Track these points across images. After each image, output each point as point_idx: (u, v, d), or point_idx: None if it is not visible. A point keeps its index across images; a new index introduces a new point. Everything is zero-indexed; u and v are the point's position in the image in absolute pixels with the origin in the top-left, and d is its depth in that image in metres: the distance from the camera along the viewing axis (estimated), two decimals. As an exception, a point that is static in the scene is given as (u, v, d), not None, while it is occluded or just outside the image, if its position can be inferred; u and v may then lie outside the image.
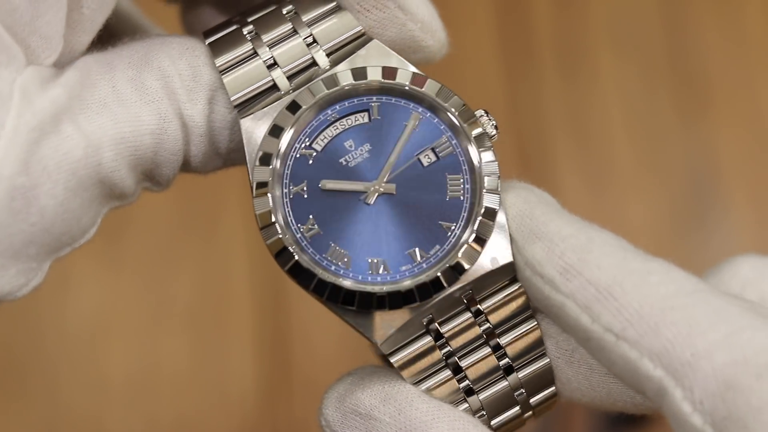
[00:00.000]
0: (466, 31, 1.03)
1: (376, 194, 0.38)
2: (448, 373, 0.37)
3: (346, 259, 0.37)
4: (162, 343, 0.92)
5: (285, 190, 0.38)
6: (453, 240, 0.37)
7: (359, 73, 0.39)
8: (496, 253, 0.37)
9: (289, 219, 0.37)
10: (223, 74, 0.38)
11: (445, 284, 0.37)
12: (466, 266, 0.37)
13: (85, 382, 0.91)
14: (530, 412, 0.39)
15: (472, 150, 0.38)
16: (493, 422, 0.38)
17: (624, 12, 1.05)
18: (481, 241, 0.37)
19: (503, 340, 0.38)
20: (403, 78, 0.39)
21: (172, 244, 0.95)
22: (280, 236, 0.37)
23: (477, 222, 0.37)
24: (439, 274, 0.37)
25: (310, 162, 0.38)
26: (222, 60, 0.38)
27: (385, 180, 0.38)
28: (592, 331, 0.34)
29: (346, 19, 0.39)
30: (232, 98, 0.38)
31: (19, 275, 0.36)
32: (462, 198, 0.38)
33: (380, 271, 0.37)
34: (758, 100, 1.02)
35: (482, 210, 0.37)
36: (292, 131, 0.38)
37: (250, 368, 0.92)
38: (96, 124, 0.36)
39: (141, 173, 0.38)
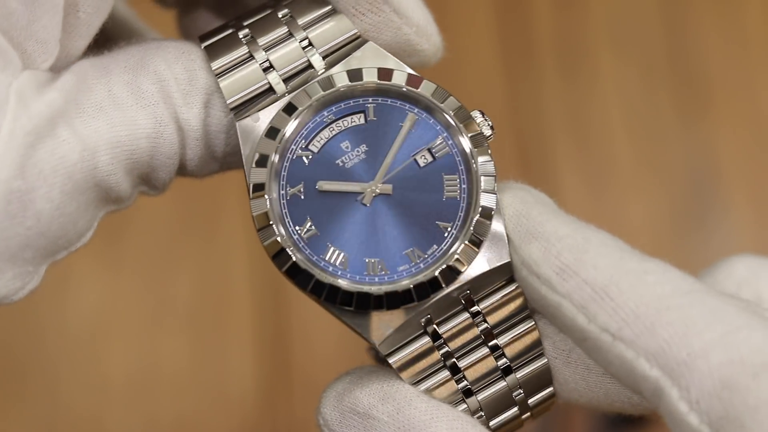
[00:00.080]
0: (466, 32, 1.03)
1: (373, 195, 0.38)
2: (446, 373, 0.37)
3: (343, 260, 0.37)
4: (162, 343, 0.92)
5: (282, 192, 0.38)
6: (450, 240, 0.37)
7: (355, 74, 0.39)
8: (493, 253, 0.37)
9: (286, 220, 0.37)
10: (219, 77, 0.38)
11: (442, 284, 0.37)
12: (464, 266, 0.37)
13: (85, 382, 0.91)
14: (528, 413, 0.39)
15: (469, 150, 0.38)
16: (491, 423, 0.38)
17: (624, 12, 1.05)
18: (478, 241, 0.37)
19: (501, 341, 0.38)
20: (399, 79, 0.39)
21: (171, 244, 0.95)
22: (278, 237, 0.37)
23: (474, 222, 0.37)
24: (436, 274, 0.37)
25: (307, 163, 0.38)
26: (218, 63, 0.39)
27: (381, 181, 0.38)
28: (588, 331, 0.34)
29: (342, 23, 0.39)
30: (228, 101, 0.38)
31: (15, 279, 0.36)
32: (458, 198, 0.38)
33: (378, 272, 0.37)
34: (758, 100, 1.01)
35: (479, 210, 0.37)
36: (289, 133, 0.38)
37: (250, 368, 0.92)
38: (92, 127, 0.36)
39: (137, 177, 0.38)
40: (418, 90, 0.39)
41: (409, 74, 0.39)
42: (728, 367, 0.31)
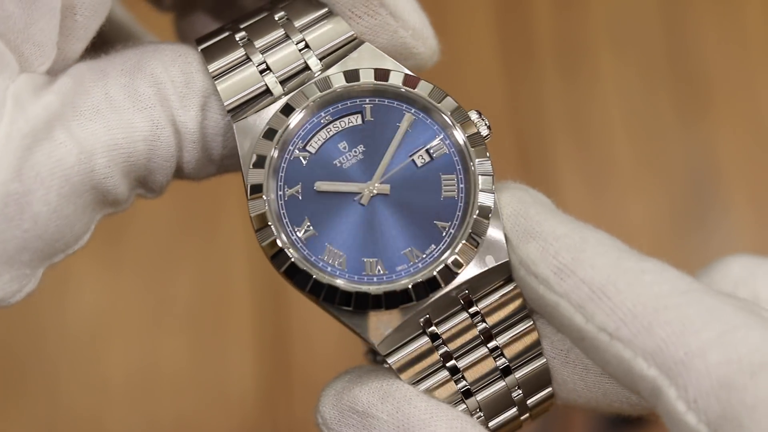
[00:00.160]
0: (466, 32, 1.03)
1: (371, 195, 0.38)
2: (445, 374, 0.37)
3: (341, 260, 0.37)
4: (162, 343, 0.92)
5: (280, 193, 0.38)
6: (448, 239, 0.37)
7: (352, 75, 0.39)
8: (491, 252, 0.37)
9: (284, 221, 0.37)
10: (216, 80, 0.38)
11: (441, 284, 0.37)
12: (462, 265, 0.37)
13: (85, 382, 0.91)
14: (527, 414, 0.39)
15: (466, 150, 0.38)
16: (490, 424, 0.38)
17: (624, 12, 1.05)
18: (476, 240, 0.37)
19: (500, 340, 0.38)
20: (396, 80, 0.39)
21: (171, 244, 0.95)
22: (276, 238, 0.37)
23: (472, 221, 0.37)
24: (435, 273, 0.37)
25: (305, 164, 0.38)
26: (215, 66, 0.39)
27: (379, 181, 0.38)
28: (586, 331, 0.34)
29: (338, 25, 0.39)
30: (225, 103, 0.38)
31: (12, 282, 0.36)
32: (456, 198, 0.38)
33: (376, 271, 0.37)
34: (758, 100, 1.01)
35: (477, 209, 0.37)
36: (286, 134, 0.38)
37: (250, 368, 0.92)
38: (89, 130, 0.36)
39: (134, 180, 0.38)
40: (415, 90, 0.39)
41: (406, 74, 0.39)
42: (726, 366, 0.31)
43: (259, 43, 0.39)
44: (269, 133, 0.38)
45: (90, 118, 0.36)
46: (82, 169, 0.36)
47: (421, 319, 0.37)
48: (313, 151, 0.39)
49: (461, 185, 0.38)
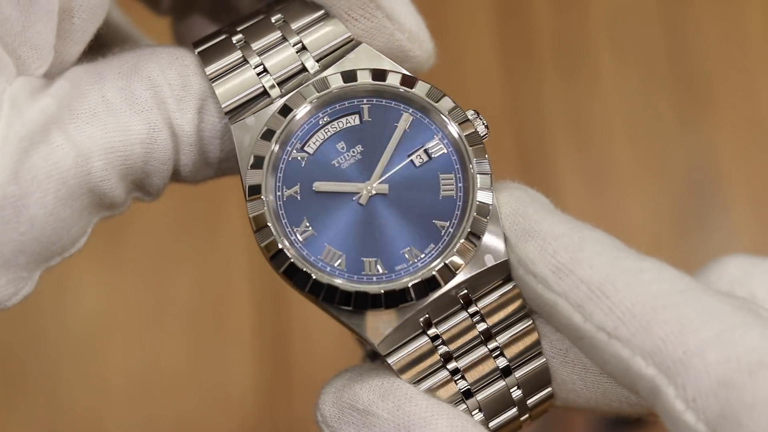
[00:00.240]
0: (466, 32, 1.03)
1: (369, 195, 0.38)
2: (445, 374, 0.37)
3: (341, 260, 0.37)
4: (162, 343, 0.92)
5: (278, 193, 0.38)
6: (447, 238, 0.37)
7: (349, 75, 0.39)
8: (490, 251, 0.37)
9: (283, 221, 0.38)
10: (213, 82, 0.39)
11: (440, 283, 0.37)
12: (461, 264, 0.37)
13: (85, 382, 0.91)
14: (527, 415, 0.39)
15: (464, 149, 0.38)
16: (490, 424, 0.38)
17: (624, 12, 1.05)
18: (475, 239, 0.37)
19: (500, 340, 0.38)
20: (393, 80, 0.39)
21: (171, 244, 0.95)
22: (275, 238, 0.37)
23: (470, 220, 0.37)
24: (434, 272, 0.37)
25: (303, 165, 0.38)
26: (212, 68, 0.39)
27: (377, 181, 0.38)
28: (584, 330, 0.34)
29: (335, 26, 0.40)
30: (222, 105, 0.38)
31: (8, 284, 0.36)
32: (455, 197, 0.38)
33: (376, 271, 0.37)
34: (758, 100, 1.01)
35: (475, 208, 0.37)
36: (284, 134, 0.38)
37: (250, 368, 0.92)
38: (86, 133, 0.36)
39: (131, 183, 0.39)
40: (413, 90, 0.39)
41: (404, 74, 0.39)
42: (724, 365, 0.31)
43: (256, 45, 0.39)
44: (267, 134, 0.38)
45: (87, 121, 0.37)
46: (79, 172, 0.36)
47: (421, 319, 0.37)
48: (311, 151, 0.39)
49: (460, 184, 0.38)
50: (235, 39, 0.40)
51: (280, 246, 0.37)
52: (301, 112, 0.39)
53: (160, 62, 0.38)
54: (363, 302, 0.37)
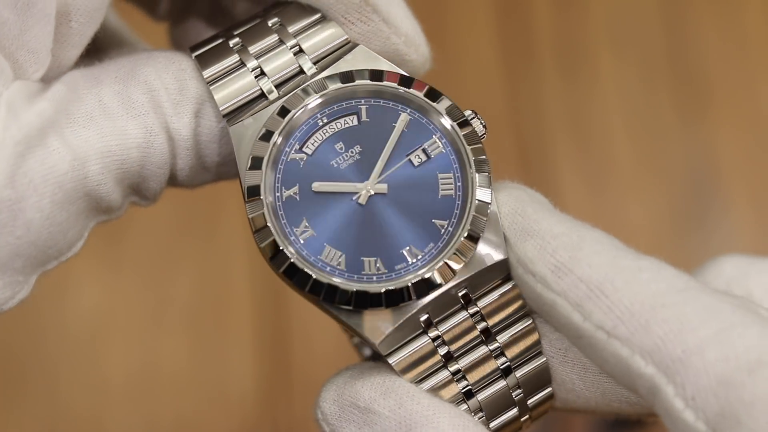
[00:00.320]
0: (467, 32, 1.03)
1: (369, 195, 0.38)
2: (447, 374, 0.37)
3: (341, 260, 0.37)
4: (162, 343, 0.92)
5: (277, 194, 0.38)
6: (446, 237, 0.38)
7: (347, 76, 0.39)
8: (489, 250, 0.37)
9: (282, 222, 0.38)
10: (211, 85, 0.39)
11: (440, 282, 0.37)
12: (461, 263, 0.37)
13: (85, 382, 0.91)
14: (527, 416, 0.39)
15: (463, 149, 0.38)
16: (492, 425, 0.38)
17: (624, 12, 1.05)
18: (474, 238, 0.37)
19: (500, 339, 0.38)
20: (391, 80, 0.39)
21: (171, 244, 0.95)
22: (274, 239, 0.37)
23: (470, 219, 0.37)
24: (434, 271, 0.37)
25: (302, 165, 0.38)
26: (210, 71, 0.39)
27: (376, 180, 0.38)
28: (583, 329, 0.34)
29: (332, 29, 0.40)
30: (220, 108, 0.38)
31: (5, 288, 0.36)
32: (454, 196, 0.38)
33: (376, 270, 0.37)
34: (758, 100, 1.01)
35: (474, 207, 0.37)
36: (282, 135, 0.38)
37: (250, 368, 0.92)
38: (82, 137, 0.36)
39: (128, 187, 0.39)
40: (411, 90, 0.39)
41: (401, 75, 0.39)
42: (723, 364, 0.31)
43: (253, 48, 0.40)
44: (266, 135, 0.38)
45: (83, 125, 0.37)
46: (76, 176, 0.36)
47: (421, 318, 0.37)
48: (309, 152, 0.39)
49: (458, 183, 0.38)
50: (232, 43, 0.40)
51: (280, 246, 0.37)
52: (299, 113, 0.39)
53: (157, 66, 0.39)
54: (363, 301, 0.37)
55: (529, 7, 1.05)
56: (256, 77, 0.39)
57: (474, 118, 0.39)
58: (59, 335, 0.92)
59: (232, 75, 0.39)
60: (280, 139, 0.38)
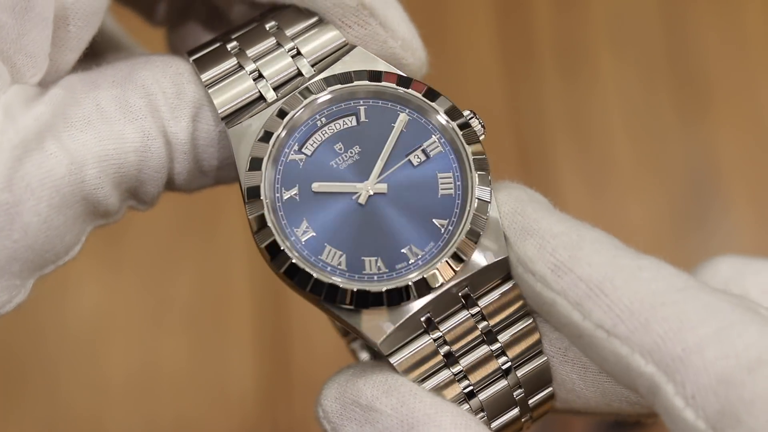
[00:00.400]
0: (467, 32, 1.03)
1: (368, 195, 0.38)
2: (448, 373, 0.37)
3: (341, 260, 0.37)
4: (162, 343, 0.92)
5: (277, 195, 0.38)
6: (446, 237, 0.38)
7: (345, 77, 0.39)
8: (489, 249, 0.37)
9: (282, 222, 0.38)
10: (209, 88, 0.39)
11: (441, 281, 0.37)
12: (461, 262, 0.37)
13: (85, 382, 0.91)
14: (528, 416, 0.39)
15: (462, 149, 0.39)
16: (493, 425, 0.38)
17: (624, 12, 1.05)
18: (474, 237, 0.37)
19: (501, 338, 0.38)
20: (389, 81, 0.39)
21: (171, 244, 0.95)
22: (275, 239, 0.37)
23: (470, 218, 0.37)
24: (434, 271, 0.37)
25: (301, 166, 0.39)
26: (207, 75, 0.39)
27: (376, 180, 0.38)
28: (583, 328, 0.34)
29: (330, 32, 0.40)
30: (219, 110, 0.39)
31: (2, 292, 0.36)
32: (453, 195, 0.38)
33: (376, 270, 0.37)
34: (758, 100, 1.01)
35: (474, 206, 0.37)
36: (281, 136, 0.38)
37: (250, 368, 0.92)
38: (80, 141, 0.36)
39: (125, 191, 0.39)
40: (409, 90, 0.39)
41: (399, 75, 0.39)
42: (723, 362, 0.31)
43: (251, 51, 0.40)
44: (265, 137, 0.38)
45: (81, 129, 0.37)
46: (73, 179, 0.36)
47: (422, 318, 0.37)
48: (309, 153, 0.39)
49: (458, 183, 0.38)
50: (229, 46, 0.40)
51: (280, 247, 0.37)
52: (298, 114, 0.39)
53: (154, 70, 0.39)
54: (364, 301, 0.37)
55: (529, 7, 1.05)
56: (254, 80, 0.39)
57: (473, 117, 0.39)
58: (59, 335, 0.92)
59: (230, 78, 0.39)
60: (279, 140, 0.38)
